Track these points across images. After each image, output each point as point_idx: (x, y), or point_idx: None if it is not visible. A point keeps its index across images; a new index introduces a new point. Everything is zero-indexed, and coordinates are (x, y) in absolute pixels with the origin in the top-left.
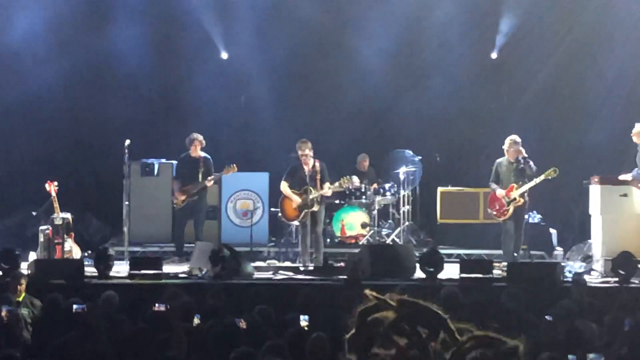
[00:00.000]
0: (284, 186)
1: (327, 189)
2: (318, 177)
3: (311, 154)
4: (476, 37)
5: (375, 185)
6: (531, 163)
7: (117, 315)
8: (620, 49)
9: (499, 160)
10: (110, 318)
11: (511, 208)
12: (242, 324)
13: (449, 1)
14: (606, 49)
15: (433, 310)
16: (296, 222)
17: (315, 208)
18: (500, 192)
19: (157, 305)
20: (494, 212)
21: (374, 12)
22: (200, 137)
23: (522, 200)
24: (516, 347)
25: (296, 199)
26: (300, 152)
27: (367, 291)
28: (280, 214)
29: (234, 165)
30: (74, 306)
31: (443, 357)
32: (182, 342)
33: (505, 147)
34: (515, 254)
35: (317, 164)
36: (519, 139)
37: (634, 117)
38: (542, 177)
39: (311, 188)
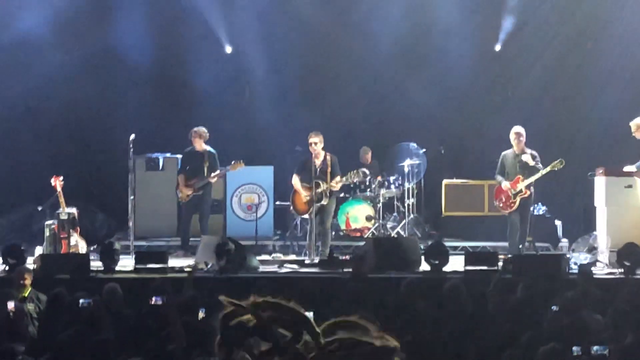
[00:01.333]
0: (295, 180)
1: (336, 183)
2: (329, 170)
3: (320, 144)
4: (479, 29)
5: (379, 178)
6: (537, 156)
7: (121, 307)
8: (623, 37)
9: (504, 152)
10: (114, 310)
11: (517, 200)
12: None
13: None
14: (609, 38)
15: (296, 311)
16: (307, 216)
17: (324, 202)
18: (505, 185)
19: (154, 298)
20: (500, 205)
21: (378, 3)
22: (203, 130)
23: (527, 192)
24: (392, 350)
25: (305, 193)
26: (309, 140)
27: (222, 297)
28: (291, 208)
29: (241, 161)
30: (81, 301)
31: None
32: (181, 335)
33: (511, 139)
34: (521, 246)
35: (328, 157)
36: (523, 130)
37: (639, 107)
38: (549, 168)
39: (320, 182)
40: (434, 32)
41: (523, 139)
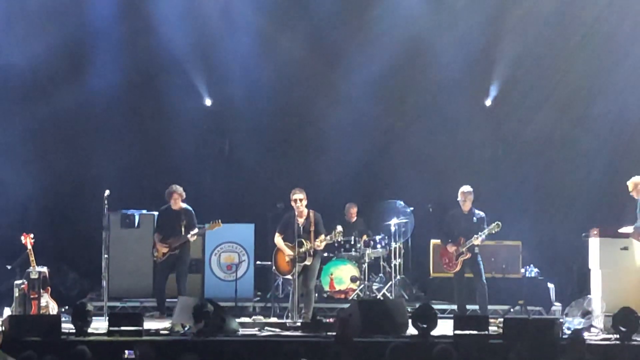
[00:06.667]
0: (278, 238)
1: (320, 242)
2: (312, 228)
3: (304, 201)
4: (470, 84)
5: (365, 237)
6: (484, 217)
7: None
8: (617, 96)
9: (451, 212)
10: None
11: (460, 262)
12: None
13: (442, 48)
14: (603, 96)
15: None
16: (289, 276)
17: (308, 262)
18: (450, 247)
19: (127, 352)
20: (444, 266)
21: (365, 55)
22: (180, 190)
23: (469, 254)
24: None
25: (289, 252)
26: (293, 197)
27: None
28: (273, 268)
29: (219, 220)
30: None
31: None
32: None
33: (459, 198)
34: (482, 307)
35: (312, 215)
36: (471, 189)
37: (634, 167)
38: (486, 231)
39: (304, 240)
40: (423, 86)
41: (471, 198)
